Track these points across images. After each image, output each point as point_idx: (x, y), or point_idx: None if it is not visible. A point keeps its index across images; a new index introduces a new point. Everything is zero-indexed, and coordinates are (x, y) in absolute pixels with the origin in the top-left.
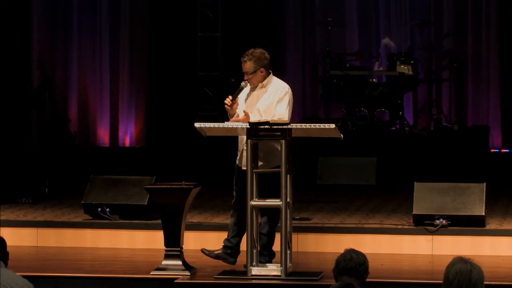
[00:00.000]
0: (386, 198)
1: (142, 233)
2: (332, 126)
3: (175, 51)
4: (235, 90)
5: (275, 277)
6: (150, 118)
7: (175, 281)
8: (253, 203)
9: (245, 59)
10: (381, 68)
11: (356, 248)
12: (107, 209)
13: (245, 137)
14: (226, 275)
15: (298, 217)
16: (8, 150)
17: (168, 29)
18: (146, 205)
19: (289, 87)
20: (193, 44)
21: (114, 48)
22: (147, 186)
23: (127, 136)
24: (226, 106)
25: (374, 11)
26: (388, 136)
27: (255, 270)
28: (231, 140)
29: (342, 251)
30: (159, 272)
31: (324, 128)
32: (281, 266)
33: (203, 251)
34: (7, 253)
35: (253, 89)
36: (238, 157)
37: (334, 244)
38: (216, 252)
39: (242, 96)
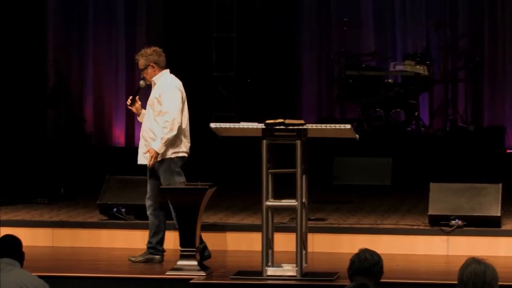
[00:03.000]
0: (401, 199)
1: None
2: (348, 126)
3: (191, 51)
4: (249, 90)
5: (290, 278)
6: None
7: (190, 281)
8: (268, 203)
9: (137, 57)
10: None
11: (372, 249)
12: (123, 209)
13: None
14: (242, 276)
15: (313, 218)
16: (24, 150)
17: (184, 30)
18: None
19: (177, 82)
20: (208, 45)
21: (129, 48)
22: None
23: None
24: (128, 106)
25: (389, 11)
26: (404, 137)
27: (271, 271)
28: (246, 140)
29: (357, 251)
30: (175, 272)
31: (339, 129)
32: (296, 266)
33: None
34: (22, 253)
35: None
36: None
37: (350, 245)
38: (142, 255)
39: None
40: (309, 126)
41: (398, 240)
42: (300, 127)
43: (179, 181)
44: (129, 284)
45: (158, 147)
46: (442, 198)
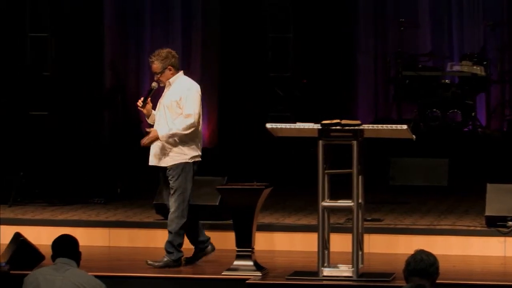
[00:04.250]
0: (458, 200)
1: (214, 233)
2: (404, 127)
3: (247, 52)
4: (305, 91)
5: (346, 278)
6: (222, 119)
7: (246, 281)
8: (324, 204)
9: (152, 59)
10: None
11: (428, 250)
12: None
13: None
14: (297, 276)
15: (370, 218)
16: (81, 150)
17: (240, 30)
18: (218, 205)
19: (197, 85)
20: (264, 45)
21: (186, 50)
22: (219, 187)
23: None
24: (138, 108)
25: (446, 11)
26: (461, 137)
27: (327, 271)
28: (302, 141)
29: (413, 252)
30: (231, 272)
31: (396, 129)
32: (352, 267)
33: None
34: (79, 253)
35: (165, 88)
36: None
37: (406, 245)
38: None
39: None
40: (365, 126)
41: (455, 241)
42: (356, 127)
43: (190, 188)
44: (185, 284)
45: (164, 135)
46: (499, 199)
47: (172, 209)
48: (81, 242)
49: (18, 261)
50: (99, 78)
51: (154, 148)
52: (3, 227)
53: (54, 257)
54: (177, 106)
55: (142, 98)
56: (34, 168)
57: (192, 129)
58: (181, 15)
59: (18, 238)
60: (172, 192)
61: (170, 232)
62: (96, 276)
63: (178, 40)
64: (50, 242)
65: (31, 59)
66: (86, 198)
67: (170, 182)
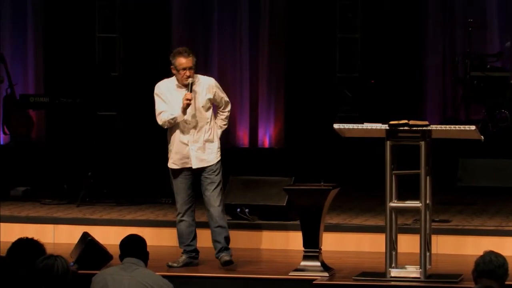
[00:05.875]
0: None
1: (281, 234)
2: (472, 127)
3: (314, 52)
4: (372, 91)
5: (414, 279)
6: (289, 119)
7: (313, 282)
8: (392, 204)
9: (187, 55)
10: None
11: (497, 251)
12: (246, 210)
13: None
14: (365, 277)
15: (437, 219)
16: (148, 150)
17: (307, 30)
18: (285, 206)
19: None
20: (332, 45)
21: (253, 50)
22: (286, 187)
23: (267, 137)
24: (189, 102)
25: None
26: None
27: (394, 272)
28: (370, 142)
29: (482, 253)
30: (298, 273)
31: (464, 130)
32: (420, 268)
33: (169, 265)
34: (147, 253)
35: (178, 87)
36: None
37: (474, 247)
38: (183, 261)
39: (169, 97)
40: (433, 127)
41: None
42: (424, 128)
43: None
44: (251, 284)
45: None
46: None
47: (217, 204)
48: (149, 242)
49: (86, 260)
50: (165, 76)
51: (196, 152)
52: (72, 226)
53: (122, 257)
54: (209, 102)
55: (190, 94)
56: (103, 168)
57: None
58: (248, 16)
59: (86, 238)
60: (214, 186)
61: (223, 227)
62: (164, 276)
63: (246, 40)
64: (118, 242)
65: (100, 59)
66: (154, 198)
67: (211, 177)
